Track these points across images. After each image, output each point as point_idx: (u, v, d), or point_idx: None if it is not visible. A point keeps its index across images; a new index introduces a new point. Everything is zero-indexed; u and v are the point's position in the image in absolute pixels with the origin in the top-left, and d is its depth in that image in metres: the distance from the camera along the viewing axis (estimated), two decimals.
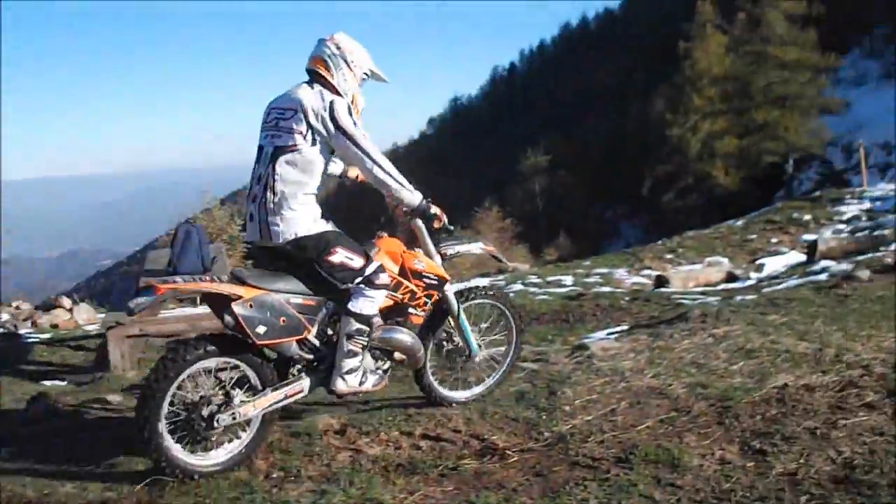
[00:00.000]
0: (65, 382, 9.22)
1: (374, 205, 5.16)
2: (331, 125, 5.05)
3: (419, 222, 5.72)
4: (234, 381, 5.03)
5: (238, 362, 5.05)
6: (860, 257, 13.73)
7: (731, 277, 16.57)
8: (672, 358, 7.05)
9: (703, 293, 13.77)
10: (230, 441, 5.11)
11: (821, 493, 4.36)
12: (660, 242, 24.50)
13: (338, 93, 5.22)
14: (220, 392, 4.98)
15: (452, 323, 6.09)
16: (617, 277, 18.37)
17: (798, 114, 55.36)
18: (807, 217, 24.49)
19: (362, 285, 5.21)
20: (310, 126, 5.06)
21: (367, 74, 5.47)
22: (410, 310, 5.72)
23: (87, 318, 14.47)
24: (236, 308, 4.86)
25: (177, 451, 4.85)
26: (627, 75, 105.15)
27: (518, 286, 16.55)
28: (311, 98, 5.11)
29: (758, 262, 17.89)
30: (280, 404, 5.14)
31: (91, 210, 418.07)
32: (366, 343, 5.30)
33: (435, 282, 5.76)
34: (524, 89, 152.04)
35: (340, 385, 5.29)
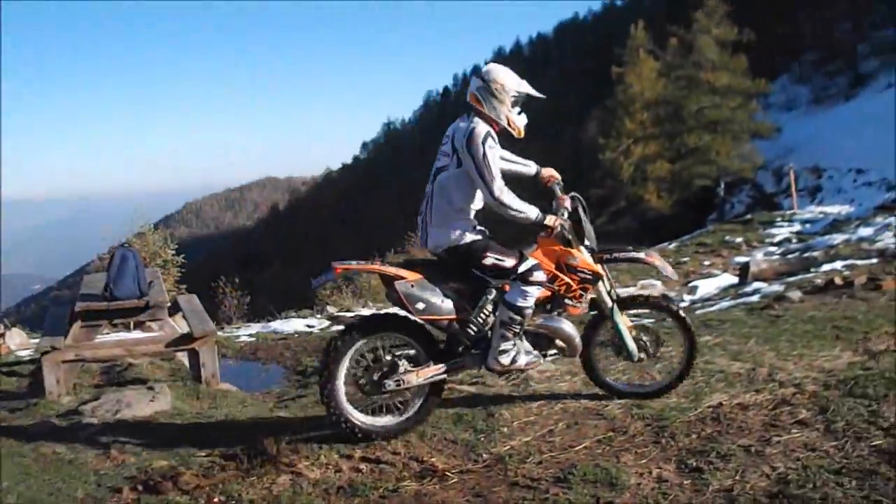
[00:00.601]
0: None
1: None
2: (465, 147, 5.73)
3: (569, 224, 6.14)
4: (402, 353, 5.92)
5: (407, 338, 5.96)
6: (791, 279, 13.97)
7: None
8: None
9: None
10: (401, 408, 6.05)
11: None
12: None
13: (492, 120, 5.92)
14: (389, 361, 5.86)
15: (610, 323, 6.51)
16: None
17: (729, 138, 56.24)
18: (738, 240, 24.89)
19: (519, 281, 5.82)
20: (454, 149, 5.86)
21: (516, 96, 5.97)
22: (567, 301, 6.19)
23: (19, 343, 14.22)
24: (399, 286, 5.80)
25: (352, 411, 5.84)
26: (561, 100, 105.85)
27: None
28: (460, 125, 5.94)
29: (691, 284, 18.10)
30: (441, 376, 5.99)
31: (19, 234, 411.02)
32: (518, 331, 5.91)
33: (589, 276, 6.16)
34: (457, 114, 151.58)
35: (493, 363, 5.98)
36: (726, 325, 9.56)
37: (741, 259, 19.96)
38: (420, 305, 5.82)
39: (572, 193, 6.37)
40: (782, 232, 25.20)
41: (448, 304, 5.90)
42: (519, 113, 6.03)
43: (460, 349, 6.10)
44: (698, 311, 12.84)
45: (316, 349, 12.71)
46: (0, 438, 6.66)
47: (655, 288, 18.28)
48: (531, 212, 5.87)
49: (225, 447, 5.72)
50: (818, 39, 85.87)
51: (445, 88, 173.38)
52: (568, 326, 6.20)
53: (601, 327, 6.59)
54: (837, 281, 12.03)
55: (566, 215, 6.11)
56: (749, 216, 31.36)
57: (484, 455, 5.53)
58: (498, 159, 5.86)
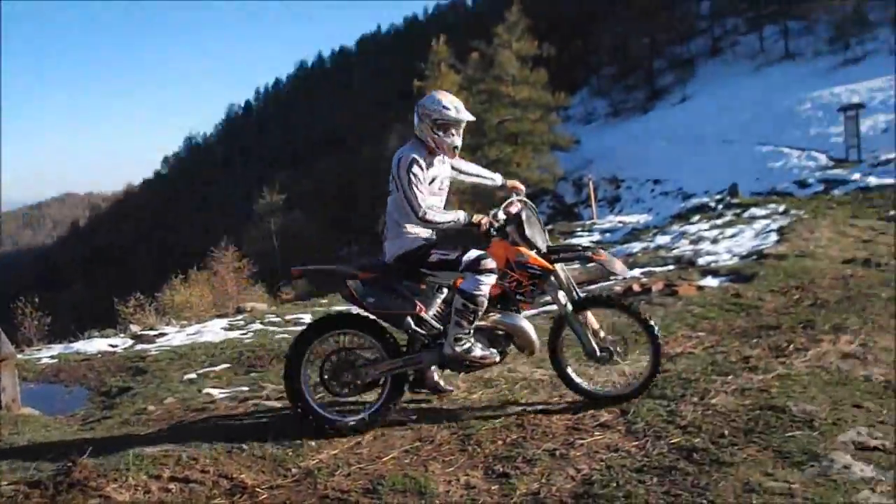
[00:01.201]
0: None
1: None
2: (395, 174, 6.19)
3: (513, 226, 6.38)
4: (359, 350, 6.37)
5: (364, 335, 6.34)
6: (591, 286, 14.30)
7: None
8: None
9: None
10: (362, 403, 6.46)
11: None
12: None
13: (422, 140, 6.30)
14: (347, 357, 6.31)
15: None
16: None
17: (530, 150, 57.40)
18: None
19: (469, 271, 6.06)
20: (392, 175, 6.26)
21: (437, 119, 6.24)
22: (519, 297, 6.40)
23: None
24: (351, 283, 6.21)
25: (317, 407, 6.25)
26: (363, 114, 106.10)
27: (257, 325, 16.40)
28: (397, 153, 6.33)
29: None
30: (399, 370, 6.28)
31: None
32: (472, 319, 6.10)
33: (539, 272, 6.34)
34: (260, 127, 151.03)
35: (448, 349, 6.19)
36: None
37: None
38: (371, 300, 6.20)
39: (521, 199, 6.58)
40: (582, 241, 25.80)
41: (399, 301, 6.22)
42: (450, 134, 6.28)
43: (418, 346, 6.38)
44: None
45: (120, 368, 12.41)
46: None
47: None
48: (459, 217, 6.20)
49: (29, 474, 5.49)
50: (616, 54, 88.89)
51: (247, 103, 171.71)
52: (524, 323, 6.39)
53: (564, 329, 6.64)
54: (636, 288, 12.40)
55: (499, 215, 6.36)
56: (550, 226, 32.02)
57: (293, 469, 5.48)
58: (424, 181, 6.18)
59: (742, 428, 5.66)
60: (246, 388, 9.14)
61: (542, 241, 6.45)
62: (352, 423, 6.20)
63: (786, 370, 7.15)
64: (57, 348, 16.12)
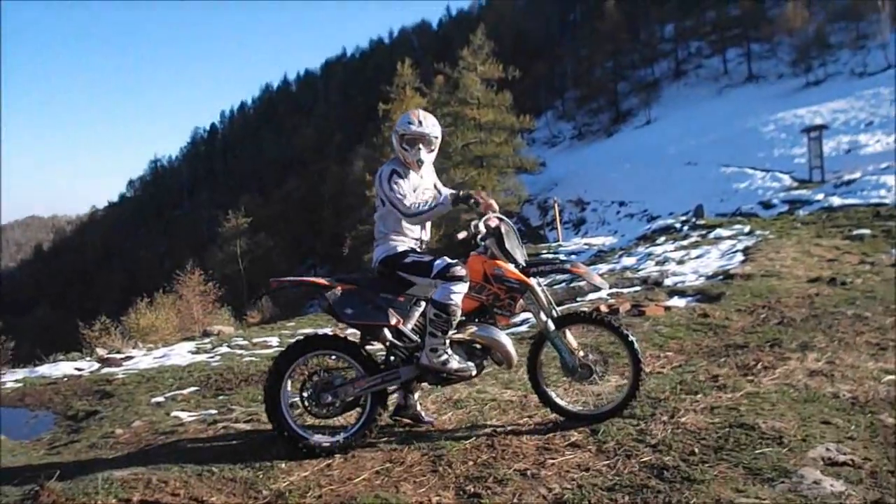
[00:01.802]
0: None
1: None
2: (378, 188, 6.38)
3: (491, 240, 6.45)
4: (337, 369, 6.41)
5: (341, 354, 6.34)
6: (560, 307, 14.34)
7: None
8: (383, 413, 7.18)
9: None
10: (342, 427, 6.42)
11: None
12: None
13: (398, 157, 6.54)
14: (325, 377, 6.28)
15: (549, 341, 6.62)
16: None
17: (495, 173, 57.62)
18: None
19: (440, 279, 6.12)
20: (375, 190, 6.46)
21: (403, 135, 6.49)
22: (496, 311, 6.43)
23: None
24: (328, 295, 6.22)
25: (296, 427, 6.17)
26: (327, 137, 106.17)
27: (224, 349, 16.32)
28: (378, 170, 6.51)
29: None
30: (378, 387, 6.26)
31: None
32: (445, 328, 6.13)
33: (516, 286, 6.38)
34: (225, 151, 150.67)
35: (424, 359, 6.23)
36: None
37: None
38: (349, 311, 6.21)
39: (497, 214, 6.60)
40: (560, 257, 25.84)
41: (377, 312, 6.25)
42: (416, 149, 6.46)
43: (396, 361, 6.42)
44: None
45: (86, 392, 12.31)
46: None
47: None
48: (446, 201, 6.36)
49: None
50: (581, 78, 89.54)
51: (212, 125, 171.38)
52: (501, 336, 6.41)
53: (544, 346, 6.67)
54: (603, 309, 12.42)
55: (480, 226, 6.46)
56: None
57: (264, 492, 5.43)
58: (405, 185, 6.35)
59: (712, 446, 5.70)
60: (215, 411, 9.09)
61: (520, 256, 6.49)
62: (325, 444, 6.16)
63: (754, 388, 7.21)
64: (21, 372, 15.95)
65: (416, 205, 6.23)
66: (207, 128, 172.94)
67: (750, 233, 21.64)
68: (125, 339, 25.89)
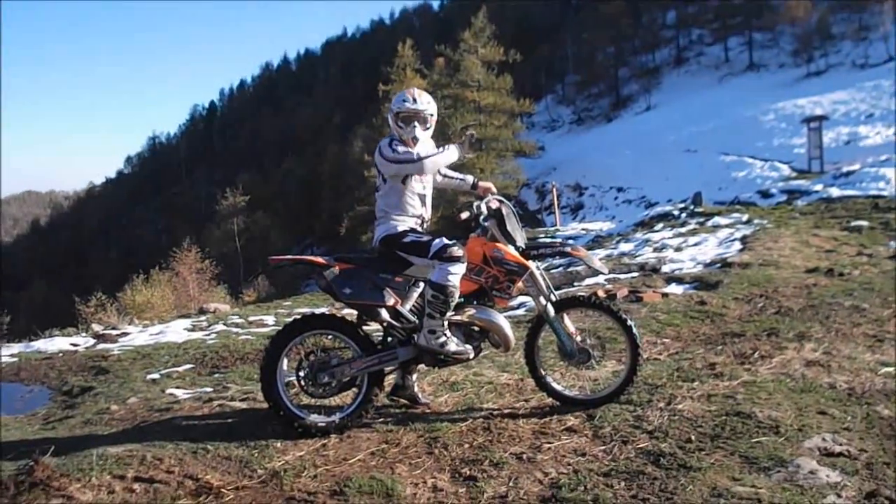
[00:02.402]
0: None
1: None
2: (379, 159, 6.38)
3: (492, 221, 6.47)
4: (334, 349, 6.38)
5: (338, 334, 6.35)
6: (557, 291, 14.33)
7: None
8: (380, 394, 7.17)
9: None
10: (338, 406, 6.46)
11: None
12: None
13: (394, 135, 6.47)
14: (322, 356, 6.29)
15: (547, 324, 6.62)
16: None
17: (494, 156, 57.54)
18: None
19: (438, 260, 6.11)
20: (376, 167, 6.48)
21: (398, 112, 6.45)
22: (495, 293, 6.42)
23: None
24: (327, 274, 6.21)
25: (293, 407, 6.19)
26: (326, 117, 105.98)
27: (220, 326, 16.31)
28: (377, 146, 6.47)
29: None
30: (375, 368, 6.27)
31: None
32: (443, 309, 6.14)
33: (515, 268, 6.37)
34: (223, 128, 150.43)
35: (422, 341, 6.23)
36: None
37: None
38: (347, 290, 6.20)
39: (498, 196, 6.64)
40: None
41: (375, 292, 6.23)
42: (412, 126, 6.43)
43: (394, 342, 6.44)
44: None
45: (82, 368, 12.29)
46: None
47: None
48: (451, 150, 6.46)
49: None
50: (582, 63, 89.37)
51: (212, 103, 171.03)
52: (500, 318, 6.43)
53: (542, 330, 6.66)
54: (601, 294, 12.40)
55: (482, 207, 6.47)
56: None
57: (259, 470, 5.43)
58: (399, 149, 6.32)
59: (709, 433, 5.70)
60: (210, 389, 9.07)
61: (520, 238, 6.48)
62: (321, 424, 6.15)
63: (751, 377, 7.21)
64: (17, 347, 15.94)
65: (424, 151, 6.29)
66: (206, 105, 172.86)
67: (748, 221, 21.62)
68: (121, 316, 25.87)
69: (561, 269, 16.76)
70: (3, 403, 9.92)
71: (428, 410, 6.72)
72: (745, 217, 22.51)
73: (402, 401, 6.88)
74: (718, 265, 15.09)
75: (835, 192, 25.43)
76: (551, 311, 6.49)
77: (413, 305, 6.38)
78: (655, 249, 19.15)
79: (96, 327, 18.50)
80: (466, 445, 5.78)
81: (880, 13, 66.00)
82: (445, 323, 6.22)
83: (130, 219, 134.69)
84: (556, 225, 37.31)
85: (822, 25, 69.21)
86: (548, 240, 7.59)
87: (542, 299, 6.51)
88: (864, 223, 19.21)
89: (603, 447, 5.58)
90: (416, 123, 6.39)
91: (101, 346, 14.72)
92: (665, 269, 15.55)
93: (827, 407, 6.29)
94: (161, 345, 13.97)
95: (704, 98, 68.84)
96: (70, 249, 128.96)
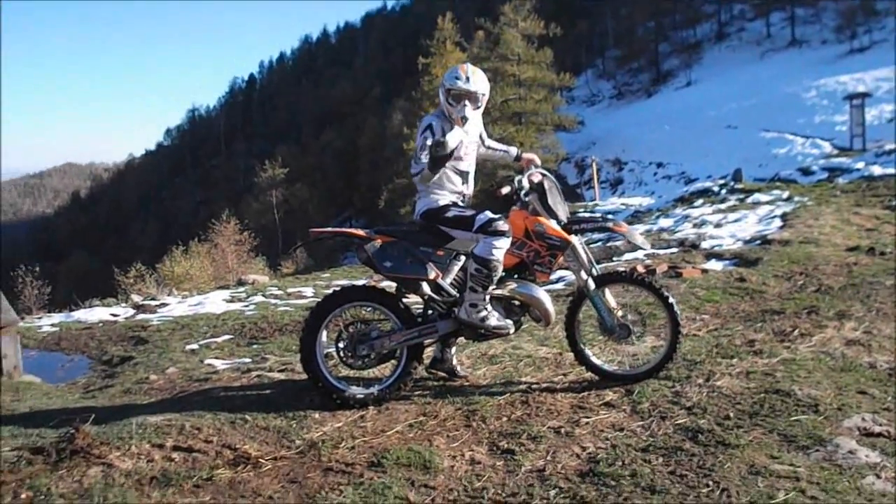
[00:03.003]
0: None
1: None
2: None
3: (534, 195, 6.42)
4: (374, 321, 6.38)
5: (378, 305, 6.34)
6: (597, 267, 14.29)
7: None
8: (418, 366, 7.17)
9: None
10: (377, 379, 6.53)
11: (568, 486, 4.56)
12: None
13: (443, 110, 6.41)
14: (362, 328, 6.29)
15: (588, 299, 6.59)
16: None
17: (533, 130, 57.40)
18: None
19: (482, 234, 6.09)
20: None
21: (449, 91, 6.33)
22: (536, 267, 6.38)
23: None
24: (368, 247, 6.19)
25: (331, 378, 6.20)
26: (366, 90, 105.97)
27: (259, 298, 16.40)
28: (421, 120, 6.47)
29: None
30: (415, 341, 6.27)
31: None
32: (486, 283, 6.14)
33: (557, 242, 6.34)
34: (263, 101, 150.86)
35: (463, 314, 6.22)
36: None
37: None
38: (388, 264, 6.18)
39: (541, 170, 6.60)
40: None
41: (416, 265, 6.21)
42: (462, 105, 6.31)
43: (434, 315, 6.42)
44: None
45: (121, 338, 12.42)
46: None
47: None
48: (425, 161, 6.19)
49: (31, 440, 5.46)
50: (622, 37, 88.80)
51: (251, 76, 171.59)
52: (541, 293, 6.37)
53: (582, 305, 6.65)
54: (640, 269, 12.35)
55: (523, 182, 6.42)
56: None
57: (297, 441, 5.45)
58: (425, 144, 6.19)
59: (747, 411, 5.66)
60: (248, 360, 9.13)
61: (562, 212, 6.43)
62: (359, 395, 6.16)
63: (790, 355, 7.15)
64: (58, 317, 16.13)
65: (416, 165, 6.23)
66: (246, 78, 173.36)
67: (788, 199, 21.42)
68: (160, 287, 26.07)
69: (600, 244, 16.72)
70: (45, 372, 10.04)
71: (466, 383, 6.73)
72: (785, 194, 22.31)
73: (441, 374, 6.88)
74: (758, 242, 14.97)
75: (877, 170, 25.15)
76: (592, 285, 6.45)
77: (454, 279, 6.36)
78: (695, 225, 19.03)
79: (136, 298, 18.69)
80: (504, 419, 5.78)
81: None
82: (487, 297, 6.20)
83: (170, 191, 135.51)
84: (595, 200, 37.21)
85: (866, 1, 68.27)
86: (588, 215, 7.60)
87: (583, 274, 6.47)
88: None
89: (641, 422, 5.56)
90: (466, 102, 6.30)
91: (141, 316, 14.86)
92: (704, 245, 15.45)
93: (867, 386, 6.23)
94: (200, 316, 14.09)
95: (745, 74, 68.17)
96: (110, 221, 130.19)
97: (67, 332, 13.41)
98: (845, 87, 50.89)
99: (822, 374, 6.55)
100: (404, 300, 6.44)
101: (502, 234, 6.08)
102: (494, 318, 6.22)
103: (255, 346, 10.53)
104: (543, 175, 6.51)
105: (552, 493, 4.48)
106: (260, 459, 5.14)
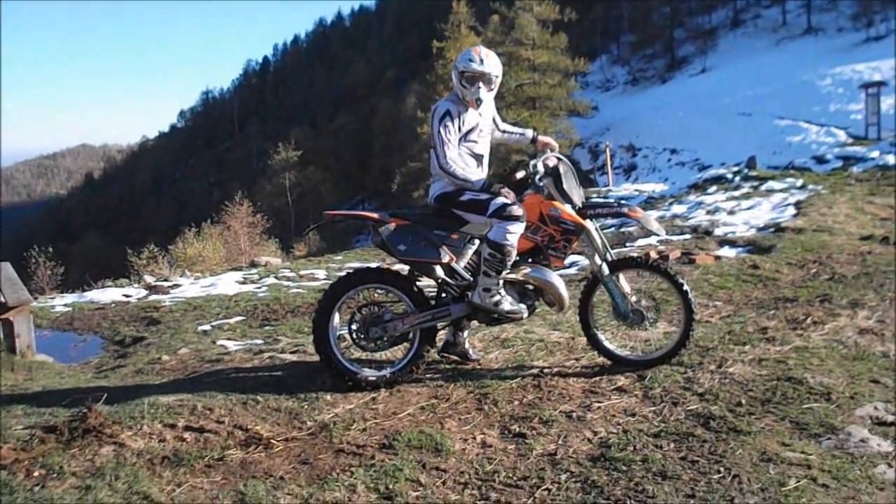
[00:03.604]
0: None
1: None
2: (430, 124, 6.35)
3: (549, 180, 6.37)
4: (387, 303, 6.39)
5: (392, 289, 6.35)
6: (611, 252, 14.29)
7: None
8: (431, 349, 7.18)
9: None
10: (389, 361, 6.59)
11: (580, 470, 4.58)
12: None
13: (457, 94, 6.37)
14: (375, 310, 6.31)
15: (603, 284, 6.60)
16: None
17: (547, 115, 57.29)
18: None
19: (496, 218, 6.06)
20: (430, 125, 6.37)
21: (463, 72, 6.29)
22: (551, 252, 6.38)
23: None
24: (382, 230, 6.18)
25: (342, 359, 6.23)
26: (380, 73, 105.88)
27: (271, 280, 16.42)
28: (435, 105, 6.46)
29: None
30: (428, 324, 6.27)
31: None
32: (500, 268, 6.11)
33: (572, 227, 6.32)
34: (276, 84, 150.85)
35: (476, 298, 6.21)
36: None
37: None
38: (402, 247, 6.18)
39: (557, 154, 6.57)
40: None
41: (430, 249, 6.21)
42: (476, 87, 6.28)
43: (447, 298, 6.42)
44: None
45: (134, 318, 12.45)
46: None
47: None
48: (475, 179, 6.19)
49: (44, 419, 5.49)
50: (637, 23, 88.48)
51: (265, 58, 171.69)
52: (555, 278, 6.38)
53: (596, 289, 6.64)
54: (653, 255, 12.33)
55: (538, 166, 6.34)
56: None
57: (308, 422, 5.48)
58: (454, 133, 6.25)
59: (759, 398, 5.66)
60: (260, 341, 9.16)
61: (577, 197, 6.41)
62: (371, 377, 6.19)
63: (803, 343, 7.14)
64: (70, 297, 16.18)
65: (454, 164, 6.17)
66: (260, 61, 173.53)
67: (802, 187, 21.35)
68: (172, 268, 26.12)
69: (613, 229, 16.71)
70: (58, 352, 10.07)
71: (478, 367, 6.73)
72: (799, 182, 22.24)
73: (453, 357, 6.89)
74: (772, 230, 14.93)
75: (892, 159, 25.01)
76: (606, 270, 6.44)
77: (468, 263, 6.35)
78: (708, 212, 18.99)
79: (148, 279, 18.73)
80: (516, 402, 5.79)
81: None
82: (501, 281, 6.18)
83: (183, 173, 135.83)
84: (608, 185, 37.13)
85: None
86: (603, 200, 7.58)
87: (597, 259, 6.45)
88: None
89: (653, 408, 5.57)
90: (480, 84, 6.26)
91: (153, 297, 14.90)
92: (718, 231, 15.42)
93: (879, 375, 6.22)
94: (212, 297, 14.12)
95: (761, 61, 67.85)
96: (123, 202, 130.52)
97: (80, 313, 13.46)
98: (861, 75, 50.59)
99: (835, 362, 6.54)
100: (418, 283, 6.43)
101: (516, 218, 6.04)
102: (508, 303, 6.20)
103: (267, 328, 10.56)
104: (559, 159, 6.47)
105: (563, 477, 4.50)
106: (271, 440, 5.16)
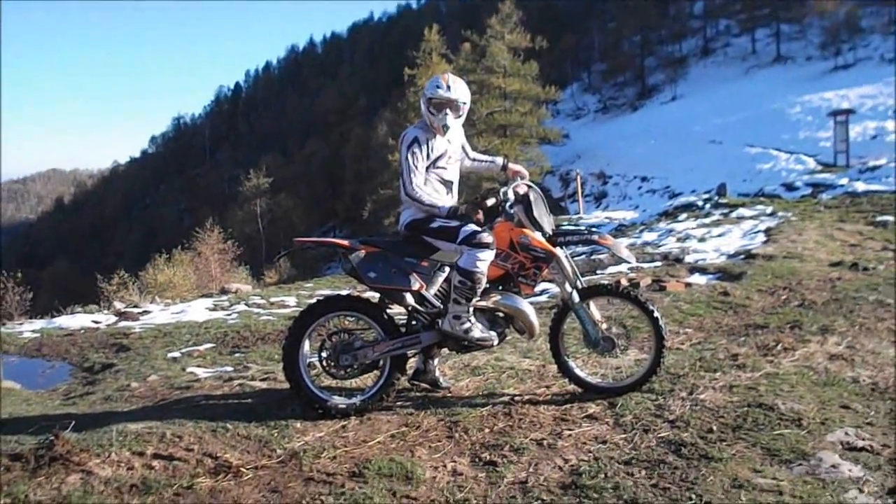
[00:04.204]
0: None
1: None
2: (399, 150, 6.33)
3: (519, 207, 6.35)
4: (357, 331, 6.37)
5: (361, 315, 6.33)
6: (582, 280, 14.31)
7: None
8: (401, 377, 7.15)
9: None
10: (359, 389, 6.57)
11: (551, 498, 4.56)
12: None
13: (425, 121, 6.38)
14: (345, 338, 6.28)
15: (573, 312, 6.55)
16: None
17: (518, 142, 57.54)
18: None
19: (466, 245, 6.05)
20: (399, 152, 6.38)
21: (430, 100, 6.32)
22: (521, 279, 6.33)
23: None
24: (352, 257, 6.18)
25: (312, 387, 6.19)
26: (351, 100, 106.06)
27: (242, 307, 16.36)
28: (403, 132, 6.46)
29: None
30: (398, 351, 6.24)
31: None
32: (469, 295, 6.09)
33: (542, 255, 6.30)
34: (248, 110, 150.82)
35: (446, 326, 6.18)
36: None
37: None
38: (372, 274, 6.15)
39: (527, 182, 6.58)
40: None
41: (401, 276, 6.18)
42: (443, 114, 6.30)
43: (418, 326, 6.37)
44: None
45: (103, 345, 12.36)
46: None
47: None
48: (441, 206, 6.19)
49: (10, 447, 5.42)
50: (608, 51, 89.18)
51: (237, 85, 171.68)
52: (525, 305, 6.35)
53: (567, 317, 6.61)
54: (623, 282, 12.35)
55: (508, 193, 6.34)
56: None
57: (278, 450, 5.43)
58: (422, 160, 6.27)
59: (730, 424, 5.66)
60: (230, 368, 9.12)
61: (548, 225, 6.41)
62: (341, 405, 6.14)
63: (774, 369, 7.15)
64: (39, 323, 16.05)
65: (421, 190, 6.18)
66: (231, 87, 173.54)
67: (772, 214, 21.52)
68: (143, 294, 26.01)
69: (583, 256, 16.72)
70: (25, 378, 9.98)
71: (449, 394, 6.71)
72: (769, 209, 22.42)
73: (424, 385, 6.84)
74: (742, 256, 15.01)
75: (860, 186, 25.30)
76: (576, 298, 6.43)
77: (438, 290, 6.34)
78: (679, 239, 19.08)
79: (118, 305, 18.60)
80: (487, 430, 5.76)
81: None
82: (471, 309, 6.17)
83: (154, 199, 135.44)
84: (579, 213, 37.31)
85: (850, 19, 68.68)
86: (573, 227, 7.62)
87: (567, 286, 6.44)
88: (890, 218, 19.05)
89: (624, 435, 5.55)
90: (447, 111, 6.27)
91: (123, 323, 14.81)
92: (688, 259, 15.48)
93: (850, 401, 6.24)
94: (182, 324, 14.04)
95: (730, 89, 68.50)
96: (93, 228, 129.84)
97: (49, 339, 13.34)
98: (830, 103, 51.10)
99: (806, 388, 6.56)
100: (388, 311, 6.40)
101: (486, 246, 6.04)
102: (478, 330, 6.18)
103: (237, 355, 10.50)
104: (529, 187, 6.48)
105: None
106: (241, 468, 5.11)
